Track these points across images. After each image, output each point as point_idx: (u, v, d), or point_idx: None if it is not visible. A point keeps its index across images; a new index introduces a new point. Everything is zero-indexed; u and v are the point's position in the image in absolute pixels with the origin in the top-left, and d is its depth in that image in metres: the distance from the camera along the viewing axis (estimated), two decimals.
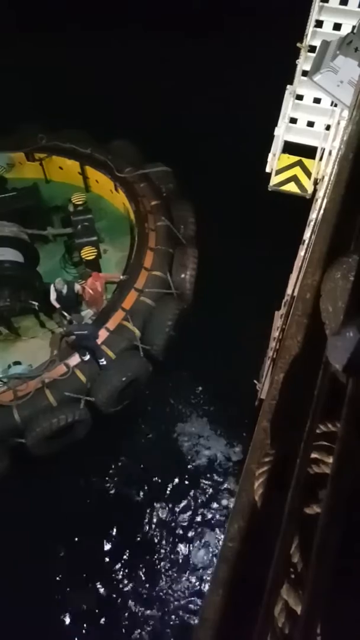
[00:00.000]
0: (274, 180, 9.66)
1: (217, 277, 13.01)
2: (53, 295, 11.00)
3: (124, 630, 10.18)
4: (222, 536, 10.34)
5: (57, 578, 10.59)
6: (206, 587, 10.39)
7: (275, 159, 9.38)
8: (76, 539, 11.04)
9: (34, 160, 14.11)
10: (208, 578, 10.54)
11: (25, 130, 14.28)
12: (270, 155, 9.43)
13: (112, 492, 11.66)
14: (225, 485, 11.65)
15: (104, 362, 10.73)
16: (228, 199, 13.97)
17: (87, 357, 10.72)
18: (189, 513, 11.37)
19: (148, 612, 10.36)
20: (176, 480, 11.76)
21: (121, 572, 10.75)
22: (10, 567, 10.01)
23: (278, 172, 9.62)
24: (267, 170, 9.67)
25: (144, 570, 10.79)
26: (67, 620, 10.23)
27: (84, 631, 10.18)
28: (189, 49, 17.33)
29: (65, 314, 11.04)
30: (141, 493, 11.67)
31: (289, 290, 8.26)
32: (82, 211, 12.58)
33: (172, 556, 10.95)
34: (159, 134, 14.51)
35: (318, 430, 1.85)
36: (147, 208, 12.82)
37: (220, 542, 10.65)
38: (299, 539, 1.67)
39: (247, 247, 12.76)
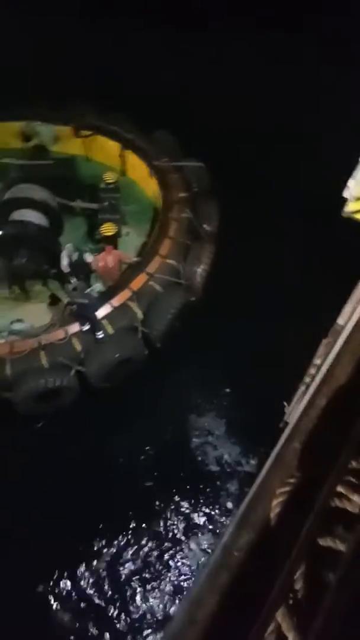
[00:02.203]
0: (352, 207, 9.48)
1: (236, 280, 13.13)
2: (65, 261, 11.33)
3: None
4: (215, 539, 10.49)
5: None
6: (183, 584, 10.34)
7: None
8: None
9: (78, 136, 14.59)
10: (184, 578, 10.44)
11: (76, 108, 14.79)
12: (351, 181, 9.18)
13: (90, 471, 11.38)
14: (228, 488, 11.44)
15: (101, 336, 10.95)
16: (271, 210, 13.93)
17: (86, 328, 10.96)
18: (182, 507, 11.20)
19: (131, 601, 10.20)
20: (169, 471, 11.61)
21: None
22: None
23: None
24: (345, 195, 9.45)
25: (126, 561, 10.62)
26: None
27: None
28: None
29: (73, 280, 11.32)
30: (126, 477, 11.58)
31: (340, 320, 8.07)
32: (111, 189, 12.94)
33: (156, 553, 10.71)
34: (204, 130, 14.84)
35: (350, 466, 1.82)
36: (175, 198, 13.06)
37: (214, 545, 10.60)
38: (306, 567, 1.66)
39: (282, 263, 13.00)
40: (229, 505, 11.33)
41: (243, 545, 2.01)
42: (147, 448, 12.01)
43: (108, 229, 12.07)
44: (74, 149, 14.95)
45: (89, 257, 11.44)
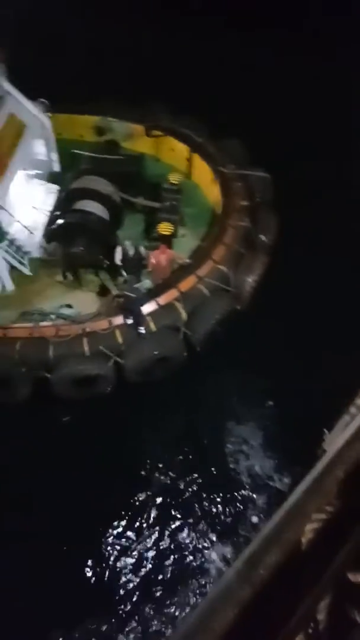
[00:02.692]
0: None
1: (286, 294, 12.96)
2: (119, 255, 11.60)
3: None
4: (235, 550, 10.38)
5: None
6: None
7: None
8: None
9: (150, 136, 14.91)
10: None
11: (151, 108, 15.11)
12: None
13: (117, 461, 11.56)
14: (256, 501, 11.23)
15: (143, 331, 11.10)
16: (331, 227, 13.68)
17: (130, 322, 11.15)
18: (206, 512, 11.12)
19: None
20: (198, 473, 11.60)
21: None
22: None
23: None
24: None
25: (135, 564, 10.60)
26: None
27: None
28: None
29: (124, 274, 11.55)
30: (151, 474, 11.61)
31: None
32: (174, 190, 13.15)
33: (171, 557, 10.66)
34: (274, 142, 14.77)
35: None
36: (235, 206, 13.07)
37: (234, 556, 10.51)
38: (332, 599, 1.64)
39: (337, 282, 12.75)
40: (254, 519, 11.08)
41: (270, 563, 1.95)
42: (177, 448, 12.04)
43: (165, 229, 12.25)
44: (144, 147, 15.30)
45: (143, 251, 11.64)
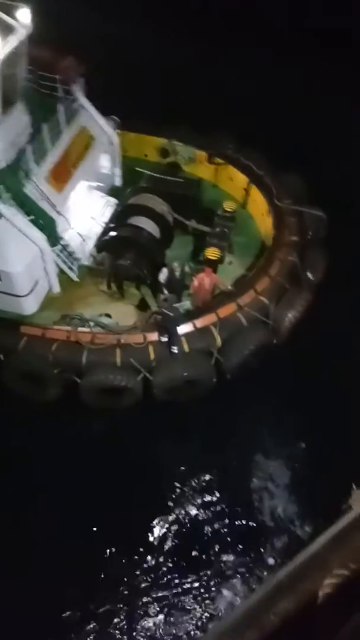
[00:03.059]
0: None
1: (326, 335, 12.79)
2: (163, 275, 11.79)
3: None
4: (245, 587, 10.32)
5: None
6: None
7: None
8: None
9: (212, 163, 15.23)
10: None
11: (219, 136, 15.43)
12: None
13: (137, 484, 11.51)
14: (274, 543, 11.02)
15: (176, 351, 11.17)
16: None
17: (165, 339, 11.26)
18: (221, 545, 11.00)
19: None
20: (216, 503, 11.54)
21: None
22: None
23: None
24: None
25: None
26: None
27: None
28: None
29: (166, 292, 11.72)
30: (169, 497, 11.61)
31: None
32: (227, 218, 13.31)
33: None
34: (337, 181, 14.78)
35: None
36: (286, 240, 13.06)
37: (244, 593, 10.40)
38: None
39: None
40: (270, 560, 10.83)
41: (282, 611, 1.87)
42: (198, 475, 11.95)
43: (213, 253, 12.39)
44: (204, 173, 15.63)
45: (187, 275, 11.80)
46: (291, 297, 12.36)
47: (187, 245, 13.93)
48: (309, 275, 13.01)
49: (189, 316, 11.63)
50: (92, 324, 11.85)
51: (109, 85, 16.01)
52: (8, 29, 10.39)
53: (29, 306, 12.49)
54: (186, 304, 12.20)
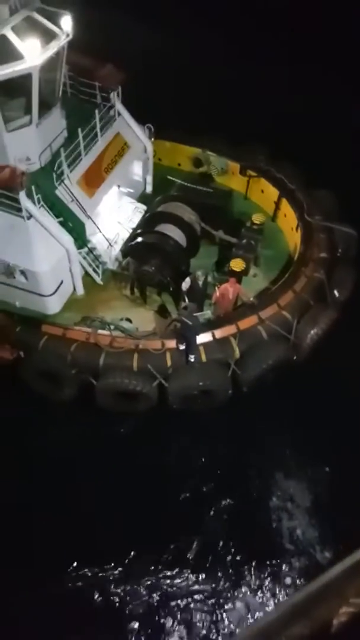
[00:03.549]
0: None
1: (349, 354, 12.44)
2: (186, 283, 11.75)
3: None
4: (261, 604, 10.19)
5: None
6: None
7: None
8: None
9: (244, 175, 15.18)
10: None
11: (252, 148, 15.39)
12: None
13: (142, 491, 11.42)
14: (292, 564, 10.77)
15: (193, 360, 11.09)
16: None
17: (182, 347, 11.20)
18: (237, 562, 10.82)
19: None
20: (233, 518, 11.34)
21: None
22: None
23: None
24: None
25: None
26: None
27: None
28: None
29: (186, 299, 11.69)
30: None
31: None
32: (255, 230, 13.22)
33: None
34: None
35: None
36: (313, 257, 12.85)
37: (259, 610, 10.26)
38: None
39: None
40: (287, 580, 10.57)
41: (295, 635, 1.88)
42: (208, 486, 11.75)
43: (237, 265, 12.31)
44: (236, 184, 15.60)
45: (210, 284, 11.76)
46: (315, 314, 12.12)
47: (213, 255, 13.91)
48: (336, 293, 12.74)
49: (208, 326, 11.55)
50: (112, 327, 11.90)
51: (147, 94, 16.19)
52: (50, 35, 10.68)
53: (53, 306, 12.67)
54: (207, 314, 12.13)
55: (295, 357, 11.92)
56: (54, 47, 10.60)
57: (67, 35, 10.87)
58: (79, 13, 11.41)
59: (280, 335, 11.72)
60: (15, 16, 10.26)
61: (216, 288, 11.94)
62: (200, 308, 11.98)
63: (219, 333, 11.47)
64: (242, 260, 12.45)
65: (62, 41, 10.78)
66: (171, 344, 11.33)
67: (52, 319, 12.52)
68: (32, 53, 10.10)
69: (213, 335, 11.41)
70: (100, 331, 11.68)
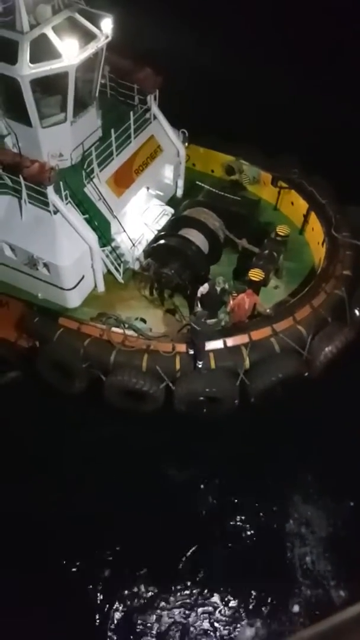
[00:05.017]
0: None
1: None
2: (204, 288, 11.74)
3: None
4: (267, 628, 10.10)
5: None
6: None
7: None
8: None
9: (275, 185, 15.08)
10: None
11: (286, 159, 15.27)
12: None
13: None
14: (302, 592, 10.54)
15: (201, 366, 11.07)
16: None
17: (192, 352, 11.20)
18: (246, 585, 10.67)
19: None
20: (242, 538, 11.21)
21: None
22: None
23: None
24: None
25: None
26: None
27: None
28: None
29: (199, 305, 11.69)
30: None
31: None
32: (278, 242, 13.10)
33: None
34: None
35: None
36: (336, 273, 12.62)
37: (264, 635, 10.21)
38: None
39: None
40: (295, 608, 10.34)
41: None
42: (214, 496, 11.70)
43: (256, 275, 12.22)
44: (267, 194, 15.52)
45: (227, 292, 11.74)
46: (332, 331, 11.88)
47: (234, 263, 13.86)
48: (357, 312, 12.50)
49: (220, 333, 11.51)
50: (126, 325, 12.03)
51: (186, 100, 16.37)
52: (89, 36, 10.95)
53: (73, 300, 12.93)
54: (221, 321, 12.07)
55: (307, 374, 11.71)
56: (92, 48, 10.86)
57: (107, 37, 11.11)
58: (122, 16, 11.66)
59: (293, 350, 11.56)
60: (57, 16, 10.59)
61: (231, 297, 11.88)
62: (214, 315, 11.95)
63: (230, 341, 11.41)
64: (262, 270, 12.36)
65: (100, 42, 11.04)
66: (182, 347, 11.35)
67: (71, 313, 12.76)
68: (70, 53, 10.38)
69: (224, 343, 11.36)
70: (114, 329, 11.82)
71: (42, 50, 10.32)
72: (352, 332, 12.07)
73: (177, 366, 11.24)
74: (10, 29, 10.25)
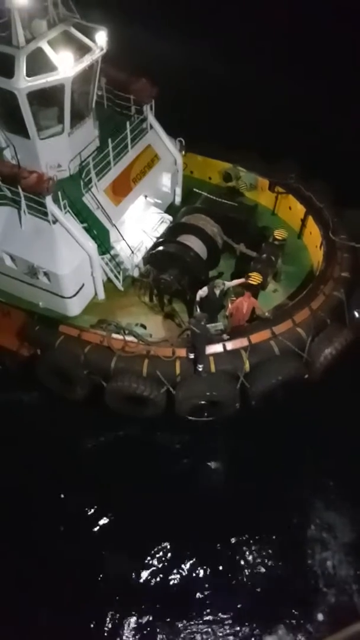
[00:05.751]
0: None
1: None
2: (203, 292, 11.83)
3: None
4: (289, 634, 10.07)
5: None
6: None
7: None
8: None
9: (272, 191, 15.21)
10: None
11: (284, 165, 15.39)
12: None
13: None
14: (327, 599, 10.43)
15: (201, 369, 11.12)
16: None
17: (192, 357, 11.25)
18: (265, 590, 10.61)
19: None
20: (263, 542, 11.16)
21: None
22: None
23: None
24: None
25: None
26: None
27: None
28: None
29: (197, 308, 11.76)
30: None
31: None
32: (276, 246, 13.19)
33: None
34: None
35: None
36: (335, 275, 12.67)
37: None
38: None
39: None
40: (320, 616, 10.21)
41: None
42: (225, 505, 11.52)
43: (254, 278, 12.30)
44: (264, 199, 15.65)
45: (227, 286, 11.86)
46: (331, 333, 11.90)
47: (232, 268, 13.97)
48: (356, 314, 12.52)
49: (220, 337, 11.56)
50: (126, 332, 12.11)
51: (181, 109, 16.60)
52: (84, 49, 11.19)
53: (73, 308, 13.05)
54: (219, 325, 12.14)
55: (307, 376, 11.72)
56: (87, 61, 11.09)
57: (102, 49, 11.35)
58: (118, 27, 11.92)
59: (293, 352, 11.58)
60: (52, 30, 10.84)
61: (229, 301, 11.96)
62: (213, 319, 12.02)
63: (230, 345, 11.44)
64: (259, 274, 12.43)
65: (95, 55, 11.27)
66: (182, 352, 11.41)
67: (72, 320, 12.88)
68: (66, 65, 10.60)
69: (224, 347, 11.41)
70: (114, 335, 11.91)
71: (38, 64, 10.56)
72: (352, 334, 12.07)
73: (178, 371, 11.28)
74: (7, 43, 10.48)
